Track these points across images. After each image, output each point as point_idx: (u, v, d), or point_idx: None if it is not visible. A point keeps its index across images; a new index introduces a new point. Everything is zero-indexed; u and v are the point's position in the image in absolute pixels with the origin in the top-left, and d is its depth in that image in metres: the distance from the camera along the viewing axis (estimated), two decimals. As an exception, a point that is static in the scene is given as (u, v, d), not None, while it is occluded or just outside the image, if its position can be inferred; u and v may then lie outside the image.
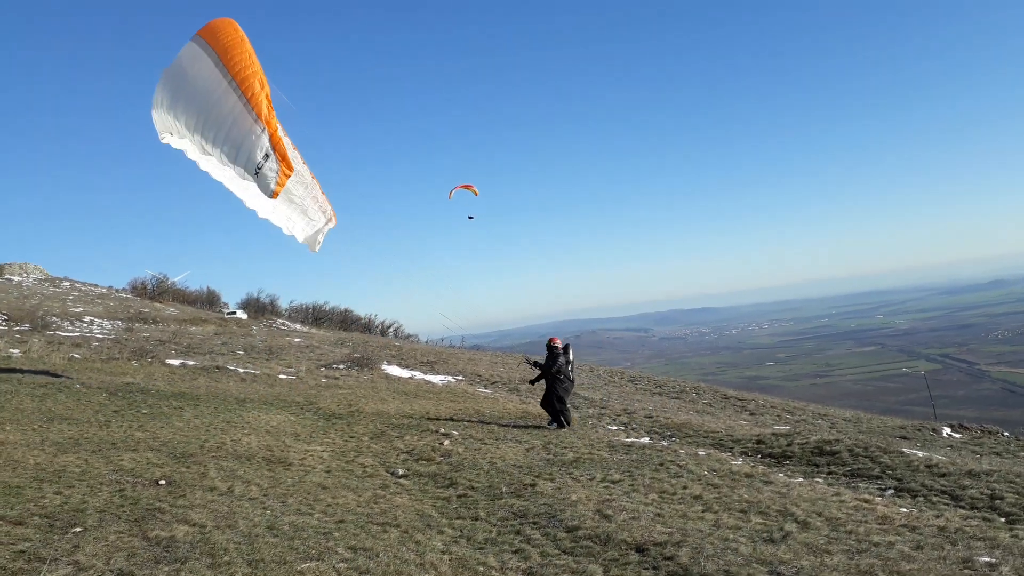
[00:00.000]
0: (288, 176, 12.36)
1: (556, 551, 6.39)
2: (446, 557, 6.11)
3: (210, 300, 43.77)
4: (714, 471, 9.87)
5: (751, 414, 21.20)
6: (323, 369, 22.18)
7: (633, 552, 6.29)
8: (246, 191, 14.01)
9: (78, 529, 6.02)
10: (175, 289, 41.19)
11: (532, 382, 14.99)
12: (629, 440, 12.82)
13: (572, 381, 14.38)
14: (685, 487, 8.84)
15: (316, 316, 48.98)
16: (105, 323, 27.16)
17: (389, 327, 53.43)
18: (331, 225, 15.29)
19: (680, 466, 10.17)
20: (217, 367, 19.35)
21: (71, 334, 23.00)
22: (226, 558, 5.61)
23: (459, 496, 8.37)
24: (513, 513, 7.61)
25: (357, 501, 7.85)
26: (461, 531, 6.99)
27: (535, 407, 17.16)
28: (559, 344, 14.27)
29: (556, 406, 13.98)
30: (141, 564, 5.37)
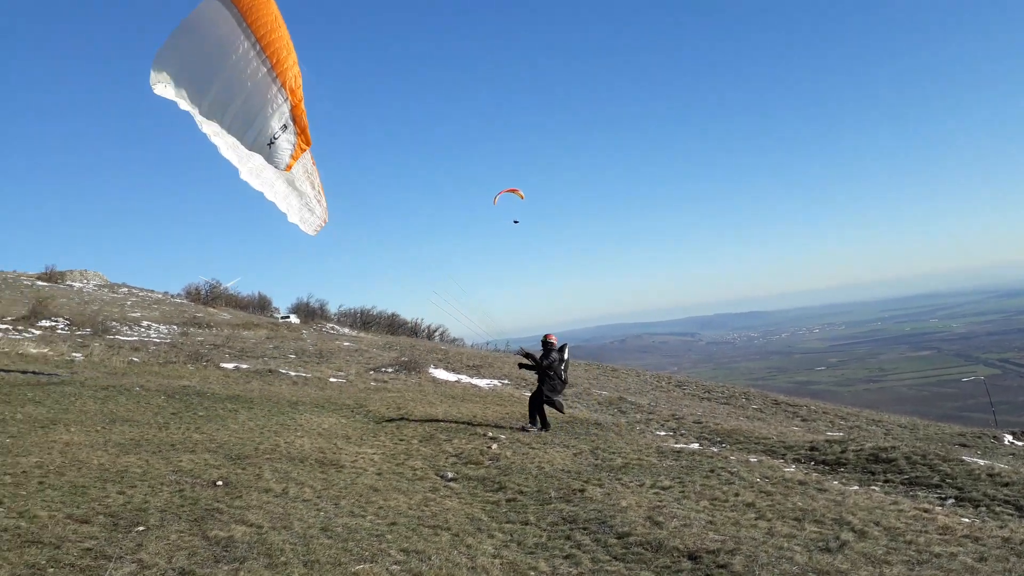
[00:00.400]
0: (304, 150, 11.72)
1: (607, 557, 6.37)
2: (497, 561, 6.14)
3: (261, 305, 44.74)
4: (766, 478, 9.72)
5: (803, 420, 20.81)
6: (372, 373, 22.47)
7: (685, 559, 6.23)
8: (241, 155, 13.21)
9: (141, 528, 6.21)
10: (228, 294, 42.25)
11: (521, 366, 14.62)
12: (678, 446, 12.71)
13: (564, 382, 14.11)
14: (737, 494, 8.72)
15: (364, 320, 49.64)
16: (162, 328, 27.96)
17: (435, 331, 53.85)
18: (321, 223, 14.76)
19: (731, 473, 10.04)
20: (270, 371, 19.75)
21: (130, 338, 23.74)
22: (283, 559, 5.73)
23: (508, 500, 8.40)
24: (563, 518, 7.61)
25: (408, 504, 7.94)
26: (511, 535, 7.01)
27: (581, 412, 17.13)
28: (555, 341, 14.12)
29: (542, 404, 13.73)
30: (202, 563, 5.52)
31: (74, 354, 19.12)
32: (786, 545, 6.58)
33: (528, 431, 13.39)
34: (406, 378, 21.83)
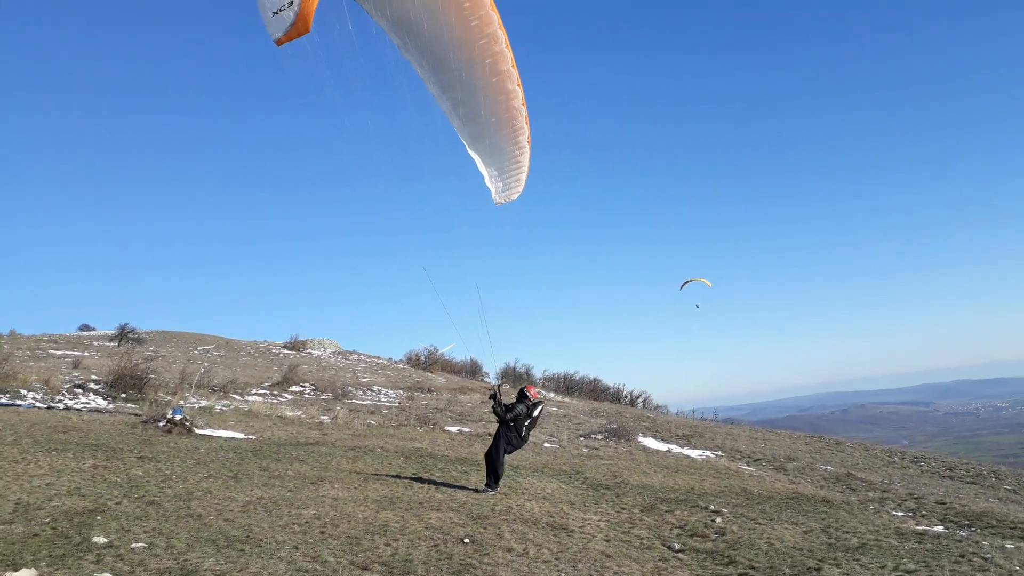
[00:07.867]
0: (296, 35, 9.30)
1: (855, 640, 6.22)
2: (740, 634, 6.23)
3: (473, 370, 47.22)
4: (1031, 569, 8.84)
5: (1071, 505, 18.21)
6: (582, 439, 22.95)
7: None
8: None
9: (411, 577, 7.03)
10: (443, 360, 45.13)
11: (493, 403, 12.73)
12: (920, 528, 11.84)
13: (523, 439, 12.67)
14: (996, 584, 8.06)
15: (568, 385, 50.57)
16: (389, 392, 30.52)
17: (638, 397, 53.52)
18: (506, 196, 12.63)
19: (985, 559, 9.26)
20: (489, 434, 20.87)
21: (365, 402, 26.20)
22: (537, 614, 6.25)
23: (740, 575, 8.37)
24: (801, 597, 7.49)
25: (642, 571, 8.20)
26: (750, 610, 7.04)
27: (806, 487, 16.38)
28: (533, 395, 12.77)
29: (493, 457, 12.49)
30: (468, 612, 6.18)
31: (322, 417, 21.48)
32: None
33: (480, 492, 12.35)
34: (616, 445, 22.05)
